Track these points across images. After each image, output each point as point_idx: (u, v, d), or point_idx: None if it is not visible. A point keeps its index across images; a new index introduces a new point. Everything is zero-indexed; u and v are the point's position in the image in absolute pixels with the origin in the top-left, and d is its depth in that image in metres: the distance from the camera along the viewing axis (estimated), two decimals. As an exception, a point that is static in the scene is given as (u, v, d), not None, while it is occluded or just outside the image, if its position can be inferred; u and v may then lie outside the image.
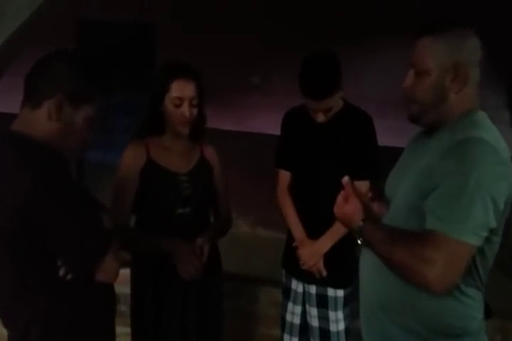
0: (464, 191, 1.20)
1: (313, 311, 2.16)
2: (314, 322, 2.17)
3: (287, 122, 2.25)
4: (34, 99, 1.30)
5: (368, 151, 2.10)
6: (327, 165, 2.10)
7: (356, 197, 1.39)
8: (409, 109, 1.40)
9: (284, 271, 2.28)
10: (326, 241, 2.10)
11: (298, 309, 2.21)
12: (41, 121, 1.29)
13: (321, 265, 2.10)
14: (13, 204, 1.20)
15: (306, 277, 2.15)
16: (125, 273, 1.90)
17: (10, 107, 1.42)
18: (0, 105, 3.71)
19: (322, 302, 2.14)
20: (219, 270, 2.02)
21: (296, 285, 2.20)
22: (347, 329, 2.17)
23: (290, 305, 2.23)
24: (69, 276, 1.27)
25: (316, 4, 3.79)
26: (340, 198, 1.42)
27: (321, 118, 2.05)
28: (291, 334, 2.24)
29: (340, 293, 2.13)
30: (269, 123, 3.03)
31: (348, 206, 1.40)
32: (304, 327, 2.23)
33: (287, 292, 2.24)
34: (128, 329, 1.96)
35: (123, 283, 1.87)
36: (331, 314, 2.14)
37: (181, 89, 1.82)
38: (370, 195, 1.50)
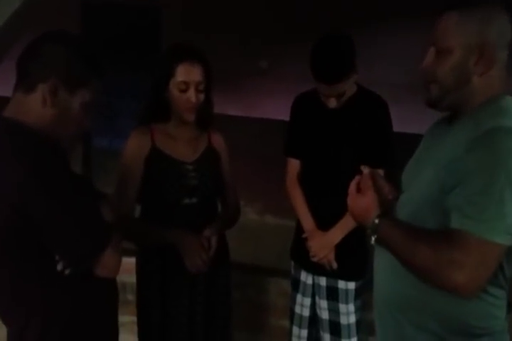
0: (494, 187, 1.10)
1: (323, 303, 2.11)
2: (324, 315, 2.12)
3: (297, 108, 2.16)
4: (27, 83, 1.22)
5: (382, 138, 2.01)
6: (339, 153, 2.02)
7: (374, 190, 1.29)
8: (427, 91, 1.29)
9: (292, 263, 2.22)
10: (337, 233, 2.03)
11: (307, 301, 2.16)
12: (35, 107, 1.21)
13: (331, 257, 2.04)
14: (4, 196, 1.13)
15: (316, 269, 2.09)
16: (130, 261, 1.86)
17: (10, 91, 1.37)
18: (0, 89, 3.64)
19: (332, 294, 2.09)
20: (227, 261, 1.96)
21: (306, 277, 2.15)
22: (358, 322, 2.12)
23: (299, 297, 2.17)
24: (67, 271, 1.22)
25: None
26: (352, 187, 1.32)
27: (333, 103, 1.96)
28: (300, 327, 2.19)
29: (352, 285, 2.08)
30: (278, 109, 2.96)
31: (363, 199, 1.30)
32: (314, 319, 2.18)
33: (296, 284, 2.19)
34: (134, 318, 1.92)
35: (129, 272, 1.83)
36: (342, 307, 2.09)
37: (187, 73, 1.73)
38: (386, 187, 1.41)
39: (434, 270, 1.14)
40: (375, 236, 1.26)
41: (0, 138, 1.20)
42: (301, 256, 2.13)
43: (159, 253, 1.82)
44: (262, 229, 3.95)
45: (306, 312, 2.16)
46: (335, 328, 2.10)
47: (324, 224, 2.06)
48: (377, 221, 1.25)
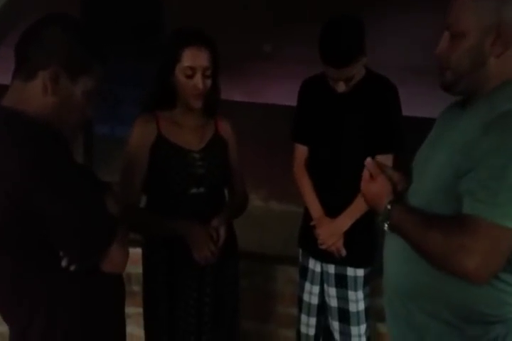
0: (508, 171, 1.08)
1: (331, 291, 2.09)
2: (333, 303, 2.10)
3: (305, 92, 2.11)
4: (26, 70, 1.16)
5: (392, 123, 1.97)
6: (348, 138, 1.98)
7: (385, 175, 1.28)
8: (442, 76, 1.26)
9: (300, 250, 2.20)
10: (346, 220, 2.00)
11: (316, 289, 2.14)
12: (35, 96, 1.16)
13: (340, 245, 2.01)
14: (6, 189, 1.09)
15: (325, 256, 2.06)
16: (137, 252, 1.83)
17: (8, 79, 1.32)
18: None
19: (341, 282, 2.07)
20: (235, 251, 1.93)
21: (314, 265, 2.12)
22: (367, 309, 2.10)
23: (307, 285, 2.15)
24: (72, 267, 1.17)
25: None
26: (366, 173, 1.31)
27: (341, 87, 1.91)
28: (308, 315, 2.18)
29: (361, 272, 2.06)
30: (284, 94, 2.90)
31: (376, 184, 1.29)
32: (322, 307, 2.16)
33: (304, 271, 2.16)
34: (140, 310, 1.90)
35: (135, 263, 1.80)
36: (351, 294, 2.07)
37: (193, 58, 1.67)
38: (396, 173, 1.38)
39: (445, 255, 1.13)
40: (388, 222, 1.25)
41: None
42: (309, 243, 2.11)
43: (166, 244, 1.78)
44: (267, 215, 3.92)
45: (315, 300, 2.15)
46: (344, 316, 2.09)
47: (332, 211, 2.03)
48: (389, 206, 1.25)
